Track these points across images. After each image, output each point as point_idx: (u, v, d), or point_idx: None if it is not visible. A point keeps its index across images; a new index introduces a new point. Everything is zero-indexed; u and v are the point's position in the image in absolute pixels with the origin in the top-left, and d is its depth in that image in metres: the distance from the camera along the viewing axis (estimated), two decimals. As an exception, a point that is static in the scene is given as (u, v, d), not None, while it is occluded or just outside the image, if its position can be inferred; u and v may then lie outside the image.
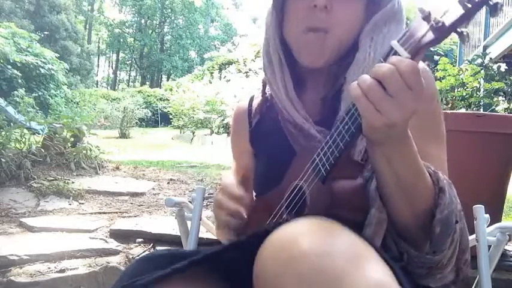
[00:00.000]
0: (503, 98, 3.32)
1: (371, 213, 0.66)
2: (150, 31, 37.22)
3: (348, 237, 0.53)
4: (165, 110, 14.97)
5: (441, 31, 0.53)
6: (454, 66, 3.11)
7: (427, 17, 0.55)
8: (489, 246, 0.98)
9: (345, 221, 0.62)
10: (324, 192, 0.66)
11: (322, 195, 0.66)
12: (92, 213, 2.67)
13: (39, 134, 4.38)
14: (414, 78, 0.54)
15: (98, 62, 39.97)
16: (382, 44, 0.77)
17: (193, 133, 10.61)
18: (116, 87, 34.87)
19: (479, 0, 0.51)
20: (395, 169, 0.62)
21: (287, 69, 0.86)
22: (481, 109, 3.38)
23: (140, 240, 2.10)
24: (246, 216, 0.79)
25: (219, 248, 0.62)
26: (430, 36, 0.54)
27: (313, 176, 0.68)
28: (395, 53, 0.57)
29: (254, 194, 0.94)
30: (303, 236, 0.51)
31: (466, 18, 0.52)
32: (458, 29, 0.53)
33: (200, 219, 1.09)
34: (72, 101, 14.92)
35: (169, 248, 1.98)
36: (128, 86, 34.02)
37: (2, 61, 11.41)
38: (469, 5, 0.52)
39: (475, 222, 0.94)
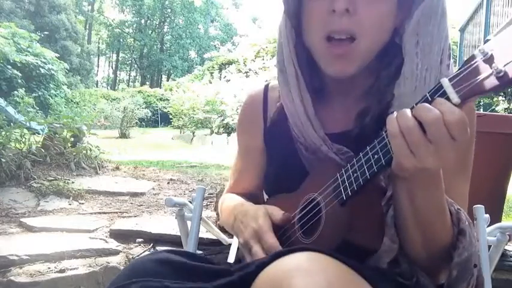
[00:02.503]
0: (503, 98, 3.32)
1: (383, 242, 0.63)
2: (150, 31, 37.21)
3: (343, 277, 0.51)
4: (165, 110, 14.96)
5: (503, 81, 0.47)
6: (454, 66, 3.11)
7: (488, 61, 0.48)
8: (489, 246, 0.98)
9: (357, 248, 0.61)
10: (341, 215, 0.63)
11: (339, 218, 0.64)
12: (92, 213, 2.66)
13: (39, 134, 4.38)
14: (460, 131, 0.50)
15: (98, 62, 39.97)
16: (430, 45, 0.69)
17: (193, 133, 10.61)
18: (116, 87, 34.91)
19: None
20: (416, 205, 0.59)
21: (303, 83, 0.78)
22: (481, 109, 3.39)
23: (140, 240, 2.10)
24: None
25: (226, 280, 0.58)
26: (488, 84, 0.48)
27: (332, 197, 0.65)
28: (444, 93, 0.51)
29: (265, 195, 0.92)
30: (296, 276, 0.49)
31: None
32: None
33: (200, 219, 1.09)
34: (72, 101, 14.92)
35: (171, 248, 1.98)
36: (128, 86, 34.06)
37: (1, 61, 11.41)
38: None
39: (475, 222, 0.94)
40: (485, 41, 0.51)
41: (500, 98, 3.34)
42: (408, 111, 0.52)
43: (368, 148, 0.59)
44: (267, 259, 0.55)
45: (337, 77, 0.74)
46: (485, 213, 0.96)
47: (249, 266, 0.59)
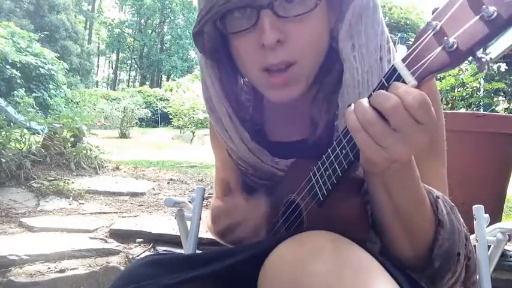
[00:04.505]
0: (503, 98, 3.32)
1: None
2: (150, 31, 37.22)
3: (354, 253, 0.51)
4: (165, 110, 14.98)
5: (456, 56, 0.43)
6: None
7: (438, 34, 0.44)
8: (489, 246, 0.98)
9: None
10: (321, 216, 0.62)
11: (320, 218, 0.62)
12: (92, 213, 2.66)
13: (39, 134, 4.39)
14: (423, 112, 0.45)
15: (98, 62, 39.99)
16: (367, 46, 0.65)
17: (193, 133, 10.62)
18: (116, 87, 34.92)
19: (509, 18, 0.39)
20: (394, 198, 0.56)
21: (238, 122, 0.74)
22: (481, 109, 3.39)
23: (140, 240, 2.10)
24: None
25: (226, 264, 0.57)
26: (443, 61, 0.44)
27: (309, 198, 0.62)
28: (399, 76, 0.47)
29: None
30: (307, 255, 0.49)
31: (488, 40, 0.41)
32: (477, 54, 0.42)
33: (200, 219, 1.08)
34: (72, 101, 14.94)
35: (170, 250, 1.98)
36: (128, 86, 34.10)
37: (1, 61, 11.41)
38: (495, 24, 0.40)
39: (475, 222, 0.93)
40: (433, 11, 0.46)
41: (500, 98, 3.34)
42: (365, 101, 0.48)
43: (335, 143, 0.56)
44: (271, 242, 0.55)
45: (283, 103, 0.70)
46: (485, 213, 0.95)
47: (250, 248, 0.58)
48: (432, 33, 0.45)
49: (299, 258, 0.49)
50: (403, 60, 0.47)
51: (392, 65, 0.48)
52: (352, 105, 0.50)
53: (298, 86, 0.67)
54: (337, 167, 0.55)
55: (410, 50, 0.47)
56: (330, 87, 0.70)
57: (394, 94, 0.46)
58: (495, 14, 0.40)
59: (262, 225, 0.72)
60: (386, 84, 0.48)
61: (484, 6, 0.40)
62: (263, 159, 0.74)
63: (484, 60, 0.42)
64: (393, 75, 0.48)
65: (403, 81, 0.47)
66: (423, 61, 0.45)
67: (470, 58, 0.43)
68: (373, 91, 0.49)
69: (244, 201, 0.74)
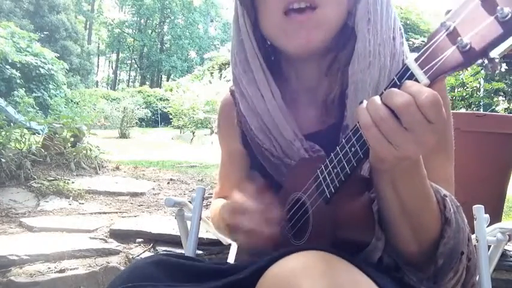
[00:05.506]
0: (503, 98, 3.33)
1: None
2: (150, 31, 37.22)
3: (347, 274, 0.50)
4: (165, 110, 14.97)
5: (469, 56, 0.43)
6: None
7: (451, 35, 0.45)
8: (489, 246, 0.98)
9: (350, 243, 0.60)
10: (328, 213, 0.62)
11: (326, 216, 0.62)
12: (92, 213, 2.66)
13: (39, 134, 4.38)
14: (435, 112, 0.45)
15: (98, 62, 39.96)
16: (381, 23, 0.69)
17: (193, 133, 10.61)
18: (116, 87, 34.94)
19: None
20: (401, 195, 0.57)
21: (271, 77, 0.76)
22: (481, 109, 3.39)
23: (140, 240, 2.10)
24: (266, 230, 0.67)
25: (228, 281, 0.57)
26: (456, 60, 0.44)
27: (316, 195, 0.63)
28: (412, 75, 0.48)
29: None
30: (301, 276, 0.49)
31: (502, 40, 0.41)
32: (490, 54, 0.42)
33: (200, 219, 1.08)
34: (72, 101, 14.91)
35: (170, 250, 1.98)
36: (128, 86, 34.13)
37: (1, 61, 11.41)
38: (510, 25, 0.40)
39: (475, 222, 0.94)
40: (446, 12, 0.47)
41: (500, 98, 3.35)
42: (378, 98, 0.49)
43: (344, 141, 0.56)
44: (265, 262, 0.54)
45: (301, 51, 0.72)
46: (485, 213, 0.95)
47: (246, 267, 0.58)
48: (446, 33, 0.45)
49: (295, 277, 0.49)
50: (416, 59, 0.48)
51: (405, 64, 0.49)
52: (365, 102, 0.50)
53: (317, 30, 0.69)
54: (345, 164, 0.56)
55: (423, 50, 0.47)
56: (344, 61, 0.73)
57: (407, 92, 0.46)
58: (510, 15, 0.40)
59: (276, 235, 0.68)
60: (399, 83, 0.49)
61: (498, 7, 0.41)
62: (289, 121, 0.74)
63: (496, 60, 0.42)
64: (405, 74, 0.49)
65: (416, 80, 0.48)
66: (436, 60, 0.46)
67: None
68: (385, 89, 0.50)
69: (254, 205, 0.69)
